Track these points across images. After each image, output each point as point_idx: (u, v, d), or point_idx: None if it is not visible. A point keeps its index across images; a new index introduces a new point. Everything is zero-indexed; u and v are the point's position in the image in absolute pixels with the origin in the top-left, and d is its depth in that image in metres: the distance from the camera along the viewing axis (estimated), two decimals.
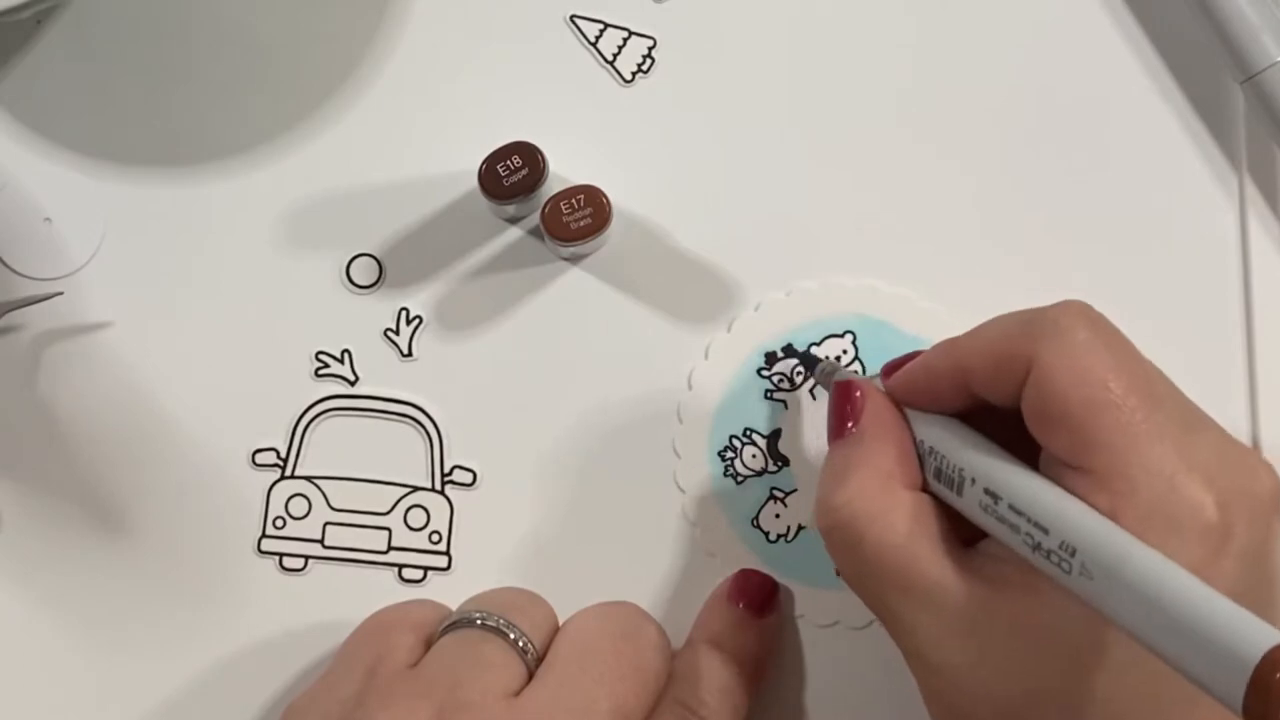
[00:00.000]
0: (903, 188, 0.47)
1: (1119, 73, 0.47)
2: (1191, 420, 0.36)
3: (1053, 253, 0.46)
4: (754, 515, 0.46)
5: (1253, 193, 0.47)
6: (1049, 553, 0.33)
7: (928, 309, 0.46)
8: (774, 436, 0.46)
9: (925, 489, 0.38)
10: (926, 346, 0.45)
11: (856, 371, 0.45)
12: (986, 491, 0.35)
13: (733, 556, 0.46)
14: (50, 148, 0.46)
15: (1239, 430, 0.46)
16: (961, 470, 0.36)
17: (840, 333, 0.46)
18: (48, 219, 0.46)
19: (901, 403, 0.39)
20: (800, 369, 0.46)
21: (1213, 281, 0.47)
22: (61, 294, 0.45)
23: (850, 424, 0.39)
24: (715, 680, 0.42)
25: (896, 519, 0.37)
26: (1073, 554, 0.32)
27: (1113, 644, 0.34)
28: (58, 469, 0.45)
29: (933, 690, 0.37)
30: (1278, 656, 0.27)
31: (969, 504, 0.36)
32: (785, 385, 0.46)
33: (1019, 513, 0.34)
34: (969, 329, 0.38)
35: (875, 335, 0.46)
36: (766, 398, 0.46)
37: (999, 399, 0.37)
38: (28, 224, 0.46)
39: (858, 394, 0.39)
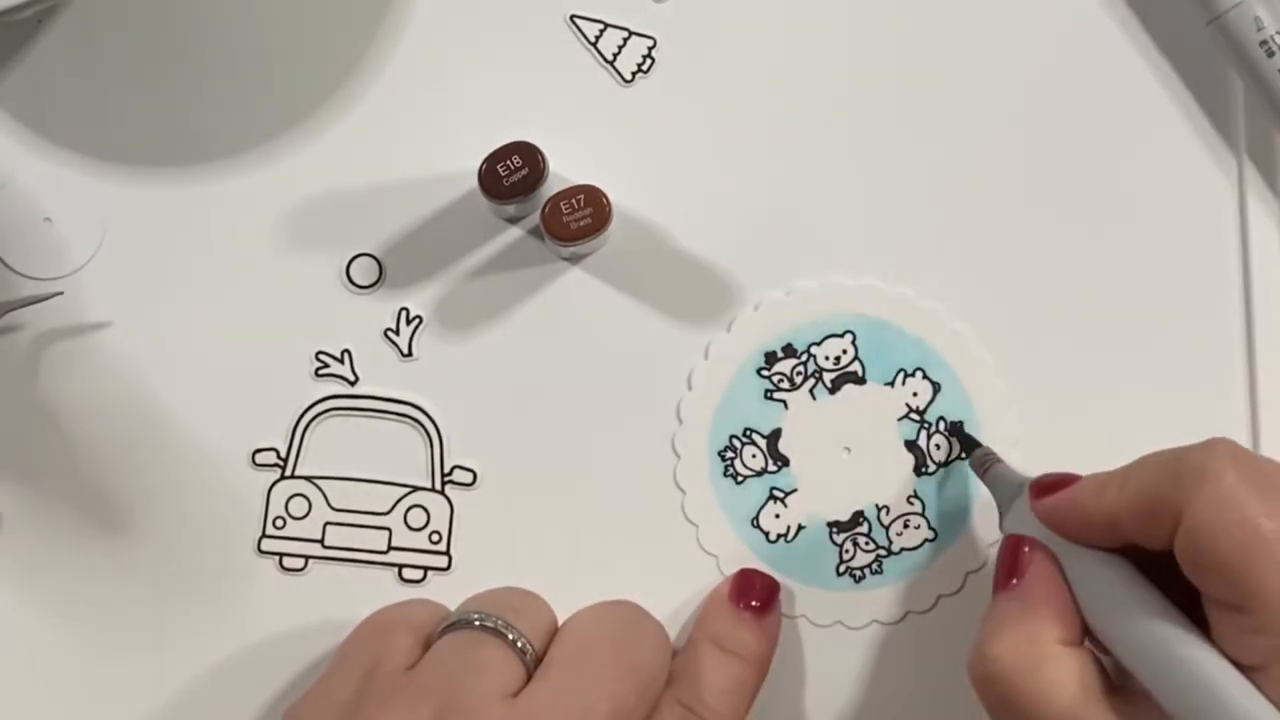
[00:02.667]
0: (902, 187, 0.46)
1: (1116, 66, 0.47)
2: None
3: (1053, 250, 0.46)
4: (754, 515, 0.45)
5: (1252, 179, 0.46)
6: None
7: (928, 309, 0.45)
8: (774, 436, 0.45)
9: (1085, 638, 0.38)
10: (927, 346, 0.45)
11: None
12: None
13: (733, 556, 0.45)
14: (50, 148, 0.46)
15: (1238, 423, 0.46)
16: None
17: (840, 333, 0.45)
18: (48, 219, 0.45)
19: (1051, 528, 0.39)
20: (799, 368, 0.45)
21: (1212, 272, 0.46)
22: (61, 294, 0.45)
23: (1014, 579, 0.39)
24: (716, 680, 0.41)
25: (1052, 676, 0.36)
26: None
27: None
28: (58, 469, 0.45)
29: None
30: None
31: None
32: (785, 385, 0.45)
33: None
34: (1120, 467, 0.38)
35: (875, 335, 0.45)
36: (766, 398, 0.45)
37: (1151, 545, 0.36)
38: (28, 224, 0.45)
39: (1025, 550, 0.39)
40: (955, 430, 0.45)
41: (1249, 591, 0.34)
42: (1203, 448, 0.36)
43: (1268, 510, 0.34)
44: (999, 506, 0.42)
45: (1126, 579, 0.37)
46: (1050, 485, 0.40)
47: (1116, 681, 0.37)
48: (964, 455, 0.45)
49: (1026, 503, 0.40)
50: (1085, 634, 0.38)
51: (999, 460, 0.43)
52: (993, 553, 0.45)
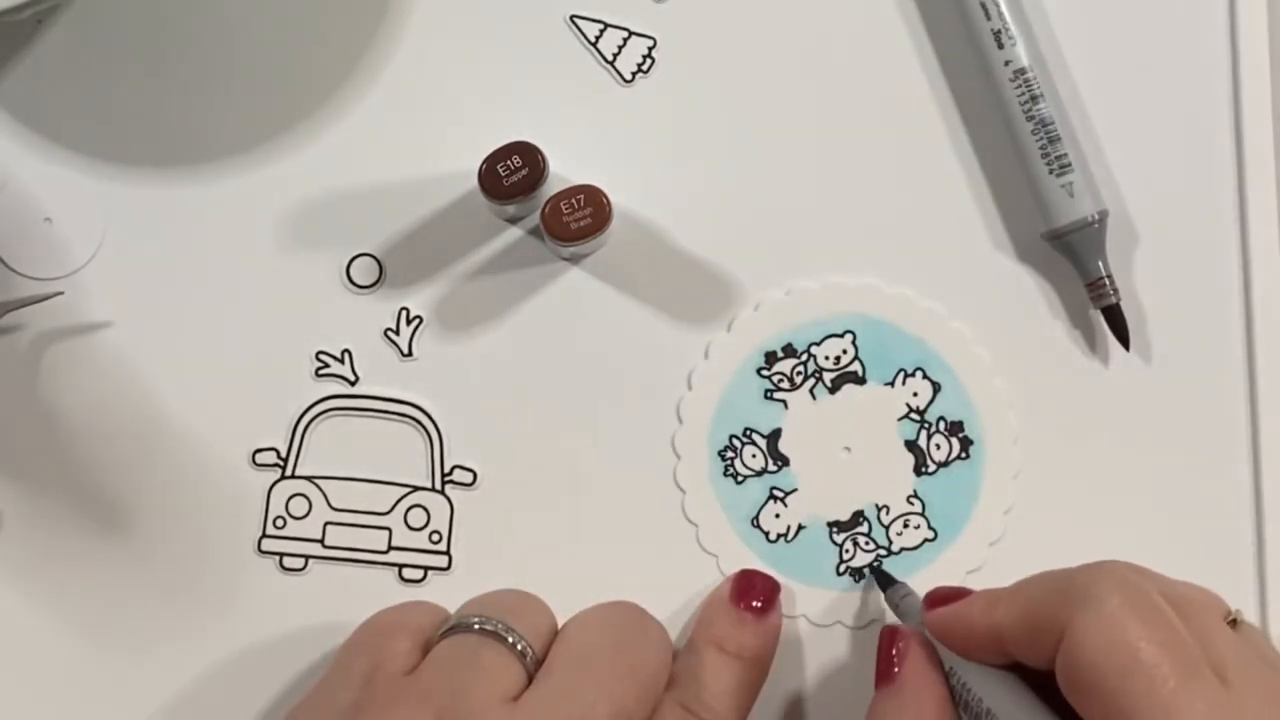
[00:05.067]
0: (903, 187, 0.45)
1: (1116, 65, 0.46)
2: (1235, 673, 0.34)
3: (1053, 249, 0.45)
4: (754, 515, 0.44)
5: (1253, 178, 0.45)
6: None
7: (928, 309, 0.45)
8: (774, 436, 0.44)
9: None
10: (927, 346, 0.44)
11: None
12: None
13: (733, 556, 0.44)
14: (50, 148, 0.45)
15: (1238, 423, 0.45)
16: None
17: (840, 333, 0.45)
18: (48, 219, 0.45)
19: (941, 642, 0.39)
20: (799, 368, 0.44)
21: (1213, 270, 0.45)
22: (61, 294, 0.44)
23: (895, 668, 0.39)
24: (717, 681, 0.40)
25: None
26: None
27: None
28: (58, 469, 0.44)
29: None
30: None
31: None
32: (785, 385, 0.44)
33: None
34: (1009, 584, 0.37)
35: (875, 335, 0.44)
36: (766, 398, 0.44)
37: (1034, 663, 0.36)
38: (28, 224, 0.44)
39: (900, 644, 0.39)
40: (875, 570, 0.44)
41: (1123, 715, 0.33)
42: (1091, 569, 0.35)
43: (1149, 635, 0.33)
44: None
45: (1014, 690, 0.36)
46: (942, 597, 0.39)
47: None
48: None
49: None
50: None
51: (911, 593, 0.42)
52: (992, 554, 0.44)
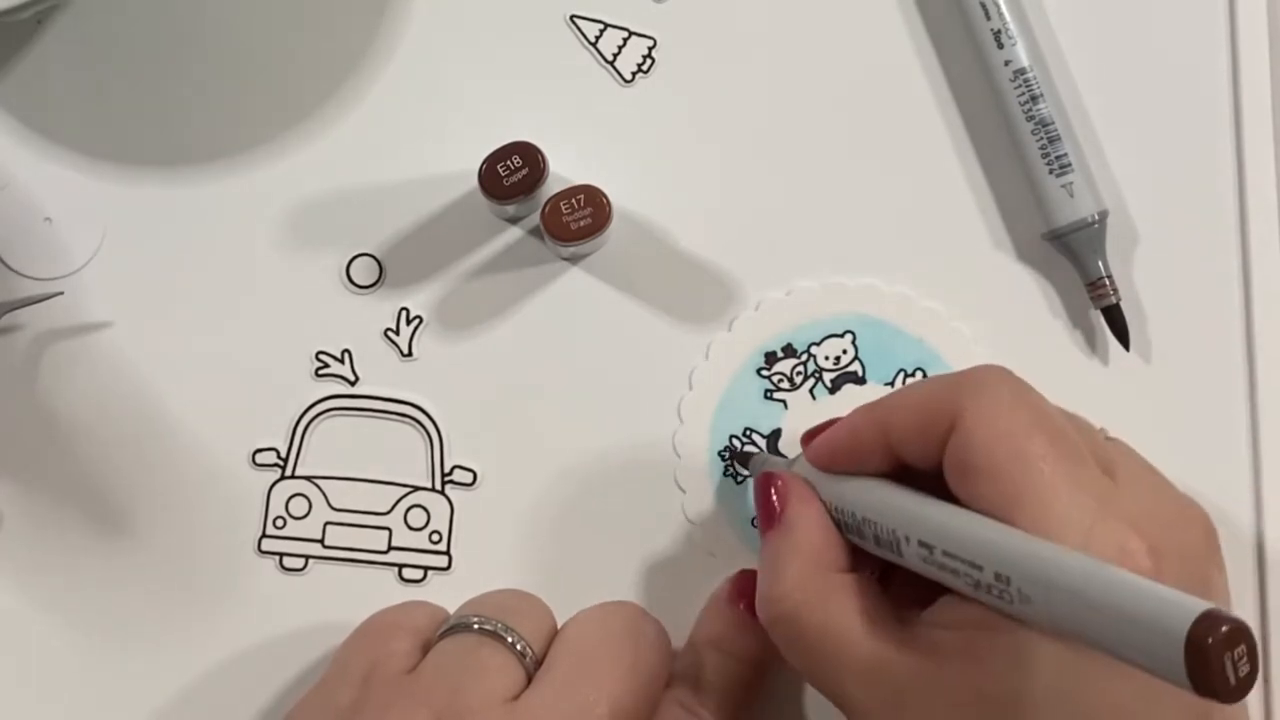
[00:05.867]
0: (903, 187, 0.45)
1: (1114, 69, 0.46)
2: (1123, 472, 0.35)
3: (1052, 248, 0.45)
4: (754, 515, 0.44)
5: (1253, 178, 0.45)
6: (988, 587, 0.32)
7: (928, 309, 0.44)
8: (774, 436, 0.44)
9: (855, 568, 0.37)
10: (927, 346, 0.44)
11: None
12: (921, 544, 0.34)
13: (733, 556, 0.44)
14: (50, 148, 0.44)
15: (1238, 424, 0.45)
16: (894, 531, 0.35)
17: (840, 333, 0.44)
18: (48, 219, 0.44)
19: (823, 467, 0.38)
20: (799, 368, 0.44)
21: (1212, 270, 0.45)
22: (61, 294, 0.44)
23: (779, 511, 0.38)
24: (716, 682, 0.40)
25: (832, 604, 0.36)
26: (1008, 582, 0.31)
27: (1048, 705, 0.32)
28: (58, 469, 0.43)
29: None
30: (1206, 622, 0.26)
31: (912, 562, 0.35)
32: (785, 385, 0.44)
33: (952, 556, 0.33)
34: (891, 392, 0.38)
35: (875, 335, 0.44)
36: (766, 398, 0.44)
37: (920, 457, 0.36)
38: (28, 224, 0.44)
39: (779, 484, 0.39)
40: (738, 457, 0.44)
41: (1014, 499, 0.33)
42: (980, 367, 0.36)
43: (1041, 423, 0.34)
44: None
45: (886, 486, 0.36)
46: (820, 428, 0.39)
47: (898, 610, 0.36)
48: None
49: (798, 468, 0.39)
50: (864, 560, 0.37)
51: (769, 453, 0.43)
52: None
